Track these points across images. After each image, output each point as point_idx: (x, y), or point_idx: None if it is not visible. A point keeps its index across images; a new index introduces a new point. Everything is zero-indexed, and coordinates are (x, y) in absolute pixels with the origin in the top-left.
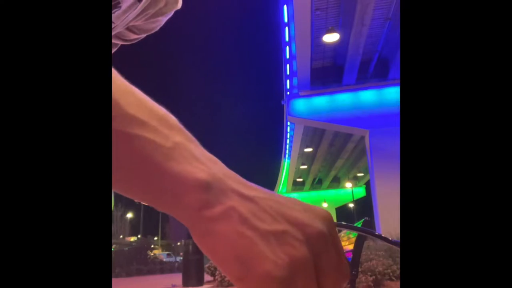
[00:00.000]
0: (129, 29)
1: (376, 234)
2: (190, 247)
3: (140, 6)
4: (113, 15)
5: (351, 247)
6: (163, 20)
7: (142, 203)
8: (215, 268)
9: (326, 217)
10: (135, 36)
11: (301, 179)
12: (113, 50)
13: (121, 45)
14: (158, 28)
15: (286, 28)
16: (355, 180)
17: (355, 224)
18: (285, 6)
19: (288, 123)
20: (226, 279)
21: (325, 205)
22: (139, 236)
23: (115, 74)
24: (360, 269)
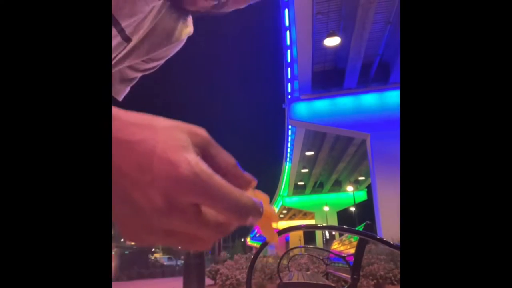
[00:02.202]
0: (132, 67)
1: (378, 238)
2: (191, 251)
3: (130, 47)
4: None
5: (352, 251)
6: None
7: None
8: (216, 272)
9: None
10: (142, 71)
11: (302, 183)
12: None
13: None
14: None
15: (287, 32)
16: (357, 183)
17: (357, 228)
18: (286, 10)
19: (289, 127)
20: (227, 283)
21: (326, 208)
22: None
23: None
24: (361, 273)
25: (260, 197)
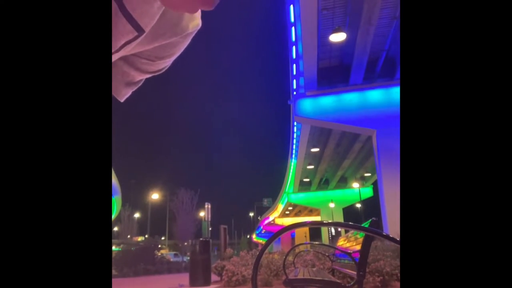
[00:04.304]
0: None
1: (384, 235)
2: (197, 247)
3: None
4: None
5: (358, 247)
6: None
7: None
8: (222, 268)
9: None
10: (140, 77)
11: (308, 179)
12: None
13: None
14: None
15: (293, 28)
16: (362, 180)
17: (363, 225)
18: (291, 6)
19: (295, 123)
20: (233, 279)
21: (332, 205)
22: (146, 236)
23: None
24: (367, 270)
25: None
